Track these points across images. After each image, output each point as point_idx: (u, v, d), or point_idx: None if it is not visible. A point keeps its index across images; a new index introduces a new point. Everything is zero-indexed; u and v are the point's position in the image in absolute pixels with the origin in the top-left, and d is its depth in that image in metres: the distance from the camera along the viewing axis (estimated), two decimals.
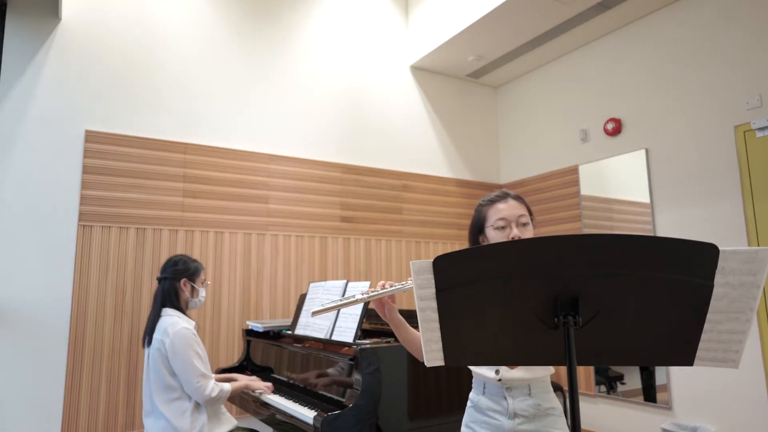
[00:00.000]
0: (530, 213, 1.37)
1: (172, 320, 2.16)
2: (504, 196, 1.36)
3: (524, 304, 0.86)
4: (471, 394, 1.37)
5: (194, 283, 2.30)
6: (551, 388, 1.31)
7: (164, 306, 2.23)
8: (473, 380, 1.38)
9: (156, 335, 2.16)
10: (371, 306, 1.36)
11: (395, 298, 1.35)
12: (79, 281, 3.01)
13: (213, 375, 2.21)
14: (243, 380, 2.41)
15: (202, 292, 2.34)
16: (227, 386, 2.23)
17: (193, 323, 2.23)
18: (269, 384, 2.43)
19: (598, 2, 3.61)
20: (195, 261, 2.35)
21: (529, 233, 1.32)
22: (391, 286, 1.27)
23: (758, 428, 2.96)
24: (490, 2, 3.69)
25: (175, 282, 2.26)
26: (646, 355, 0.88)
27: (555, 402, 1.29)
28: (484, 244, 1.22)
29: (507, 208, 1.32)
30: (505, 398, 1.27)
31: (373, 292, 1.27)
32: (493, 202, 1.36)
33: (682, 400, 3.34)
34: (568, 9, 3.69)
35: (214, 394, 2.12)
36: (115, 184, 3.18)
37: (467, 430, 1.35)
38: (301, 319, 2.61)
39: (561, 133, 4.41)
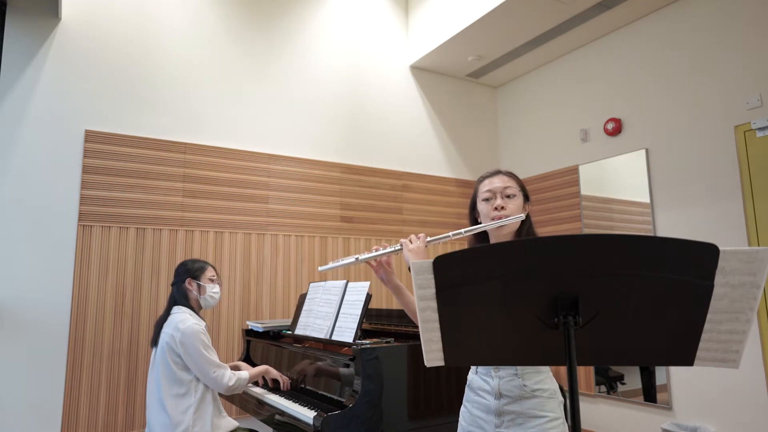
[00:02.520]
0: (523, 188, 1.42)
1: (183, 317, 2.20)
2: (495, 172, 1.44)
3: (524, 304, 0.86)
4: (468, 374, 1.41)
5: (199, 280, 2.33)
6: (545, 370, 1.30)
7: (175, 305, 2.30)
8: None
9: (166, 330, 2.20)
10: (374, 270, 1.53)
11: (392, 265, 1.54)
12: (79, 281, 3.01)
13: (226, 365, 2.23)
14: (262, 366, 2.45)
15: (211, 288, 2.34)
16: (245, 373, 2.26)
17: (204, 323, 2.25)
18: (287, 378, 2.45)
19: (598, 2, 3.61)
20: (198, 261, 2.39)
21: (514, 204, 1.37)
22: (384, 248, 1.47)
23: (758, 428, 2.96)
24: (490, 2, 3.69)
25: (181, 284, 2.32)
26: (646, 355, 0.88)
27: (546, 384, 1.27)
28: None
29: (494, 182, 1.40)
30: (493, 378, 1.29)
31: (370, 254, 1.46)
32: (484, 177, 1.45)
33: (682, 400, 3.34)
34: (568, 9, 3.69)
35: (231, 383, 2.17)
36: (115, 184, 3.18)
37: (464, 408, 1.39)
38: (301, 319, 2.61)
39: (561, 133, 4.41)
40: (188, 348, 2.12)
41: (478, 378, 1.34)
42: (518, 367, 1.27)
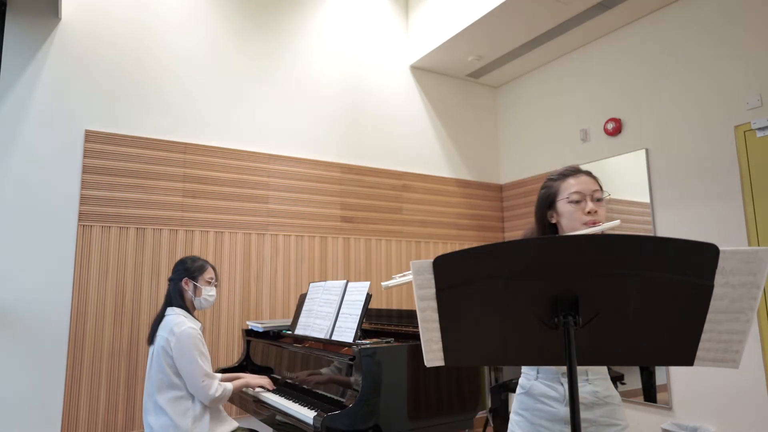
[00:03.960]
0: (601, 189, 1.30)
1: (178, 319, 2.18)
2: (576, 171, 1.29)
3: (524, 304, 0.86)
4: (521, 380, 1.31)
5: (196, 281, 2.30)
6: (609, 376, 1.25)
7: (170, 305, 2.27)
8: (524, 366, 1.32)
9: (161, 333, 2.17)
10: None
11: None
12: (79, 281, 3.01)
13: (217, 375, 2.22)
14: (243, 378, 2.42)
15: (207, 291, 2.32)
16: (230, 385, 2.24)
17: (199, 324, 2.24)
18: (268, 380, 2.43)
19: (598, 2, 3.61)
20: (200, 260, 2.35)
21: (603, 210, 1.25)
22: None
23: (758, 428, 2.96)
24: (490, 2, 3.69)
25: (178, 282, 2.29)
26: (646, 355, 0.88)
27: (613, 390, 1.23)
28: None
29: (581, 182, 1.25)
30: (562, 384, 1.22)
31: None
32: (564, 176, 1.29)
33: (682, 400, 3.34)
34: (568, 9, 3.69)
35: (218, 394, 2.14)
36: (115, 184, 3.18)
37: (518, 417, 1.29)
38: (301, 319, 2.61)
39: (561, 133, 4.41)
40: (182, 352, 2.10)
41: (540, 384, 1.25)
42: (588, 373, 1.21)
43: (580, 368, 1.22)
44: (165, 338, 2.14)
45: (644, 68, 3.78)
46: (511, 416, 1.32)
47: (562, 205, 1.26)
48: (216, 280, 2.39)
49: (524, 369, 1.33)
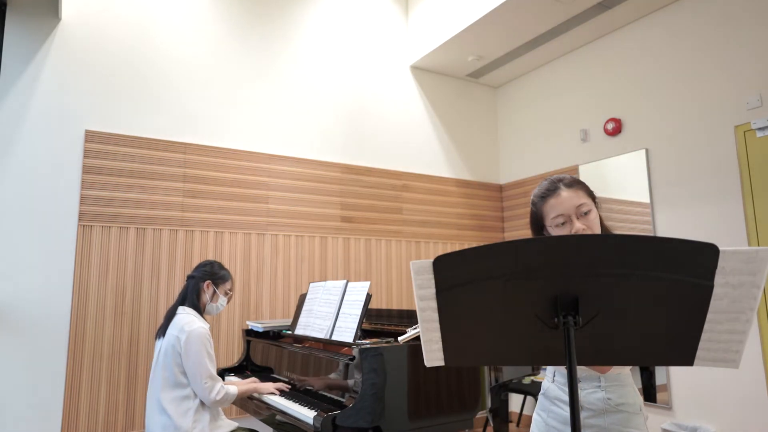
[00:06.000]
0: (592, 196, 1.22)
1: (189, 318, 2.20)
2: (554, 190, 1.19)
3: (524, 304, 0.86)
4: (543, 381, 1.33)
5: (217, 288, 2.34)
6: (628, 382, 1.21)
7: (183, 303, 2.29)
8: (547, 367, 1.32)
9: (172, 331, 2.18)
10: None
11: None
12: (79, 281, 3.01)
13: (220, 378, 2.23)
14: (250, 383, 2.40)
15: (222, 301, 2.37)
16: (233, 389, 2.24)
17: (208, 325, 2.25)
18: (279, 384, 2.41)
19: (598, 2, 3.61)
20: (225, 269, 2.40)
21: (593, 221, 1.18)
22: None
23: (758, 428, 2.96)
24: (490, 2, 3.69)
25: (200, 282, 2.32)
26: (646, 355, 0.88)
27: (630, 398, 1.19)
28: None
29: (561, 203, 1.17)
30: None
31: None
32: (544, 197, 1.21)
33: (682, 400, 3.34)
34: (568, 9, 3.69)
35: (219, 397, 2.15)
36: (115, 184, 3.18)
37: (537, 417, 1.31)
38: (301, 319, 2.61)
39: (561, 133, 4.41)
40: (190, 351, 2.12)
41: (555, 387, 1.26)
42: (602, 379, 1.19)
43: (593, 374, 1.20)
44: (175, 336, 2.15)
45: (644, 68, 3.78)
46: (533, 415, 1.34)
47: (551, 230, 1.22)
48: (232, 293, 2.44)
49: (547, 370, 1.34)
